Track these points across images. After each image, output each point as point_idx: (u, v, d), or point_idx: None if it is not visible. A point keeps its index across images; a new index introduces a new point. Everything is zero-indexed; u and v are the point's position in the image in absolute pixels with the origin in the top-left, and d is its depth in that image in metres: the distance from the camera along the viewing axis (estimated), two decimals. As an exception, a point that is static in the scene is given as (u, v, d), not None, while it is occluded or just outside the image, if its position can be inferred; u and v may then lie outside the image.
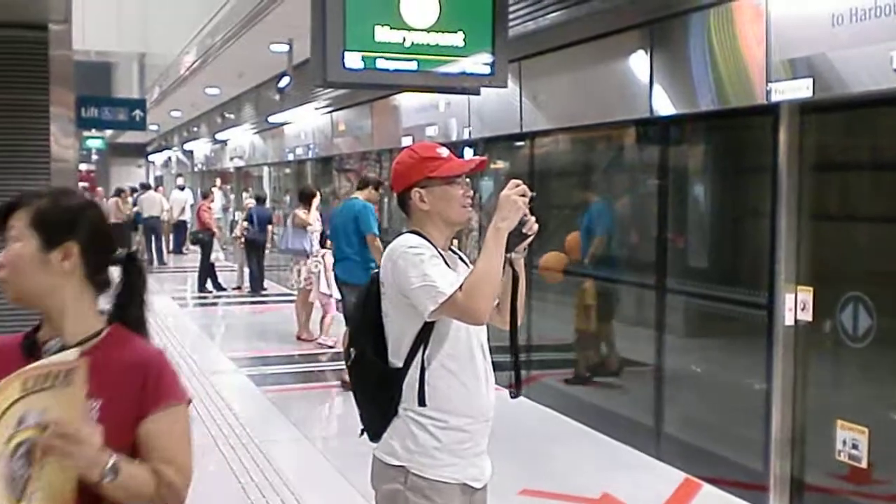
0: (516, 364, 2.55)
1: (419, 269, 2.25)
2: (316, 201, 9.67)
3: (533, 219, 2.31)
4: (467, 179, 2.48)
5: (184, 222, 19.34)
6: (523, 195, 2.27)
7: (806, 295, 4.38)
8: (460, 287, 2.20)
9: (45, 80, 7.73)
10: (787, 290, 4.43)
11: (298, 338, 9.26)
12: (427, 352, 2.31)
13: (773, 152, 4.47)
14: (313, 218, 9.37)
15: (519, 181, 2.32)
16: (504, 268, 2.28)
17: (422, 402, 2.30)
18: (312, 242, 9.33)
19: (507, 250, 2.27)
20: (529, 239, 2.34)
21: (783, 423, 4.50)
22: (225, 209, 17.66)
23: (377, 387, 2.38)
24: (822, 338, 4.38)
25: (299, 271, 9.45)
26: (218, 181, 17.24)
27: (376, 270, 2.42)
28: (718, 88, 4.70)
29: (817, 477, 4.39)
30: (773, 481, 4.49)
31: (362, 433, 2.48)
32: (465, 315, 2.23)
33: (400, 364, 2.33)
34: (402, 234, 2.42)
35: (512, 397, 2.54)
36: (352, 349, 2.45)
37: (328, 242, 7.50)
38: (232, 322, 11.53)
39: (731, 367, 5.18)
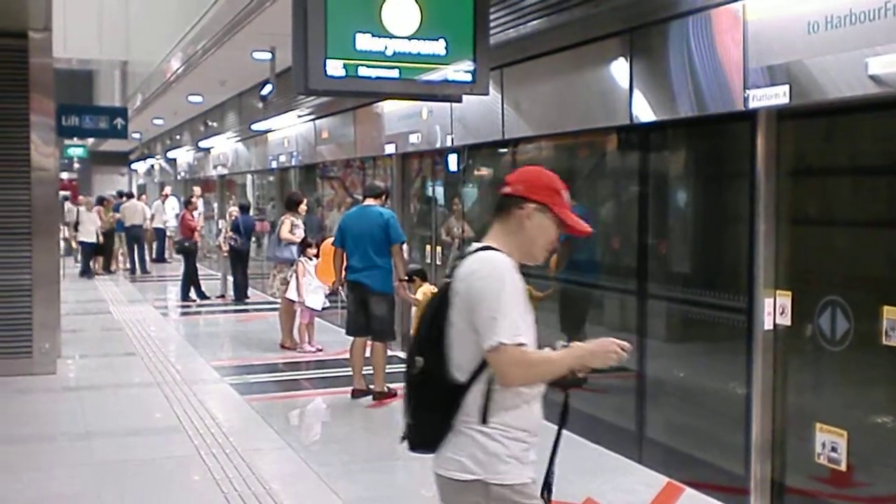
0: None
1: (499, 300, 2.24)
2: (303, 208, 9.68)
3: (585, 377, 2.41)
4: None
5: (163, 230, 19.28)
6: (618, 351, 2.35)
7: (784, 299, 4.42)
8: (522, 345, 2.23)
9: (24, 88, 7.73)
10: (766, 295, 4.47)
11: (282, 346, 9.23)
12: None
13: (751, 158, 4.51)
14: (299, 231, 9.37)
15: (628, 344, 2.38)
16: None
17: (484, 419, 2.29)
18: (293, 252, 9.34)
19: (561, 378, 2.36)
20: (575, 385, 2.45)
21: (763, 426, 4.53)
22: (207, 218, 17.58)
23: (440, 400, 2.32)
24: (801, 342, 4.42)
25: (284, 279, 9.43)
26: (197, 189, 17.17)
27: (448, 281, 2.35)
28: (697, 95, 4.75)
29: (797, 480, 4.43)
30: (754, 485, 4.52)
31: (404, 440, 2.42)
32: (503, 373, 2.25)
33: (464, 379, 2.29)
34: (483, 249, 2.37)
35: None
36: (416, 359, 2.36)
37: (335, 250, 7.16)
38: (215, 331, 11.48)
39: (711, 371, 5.22)
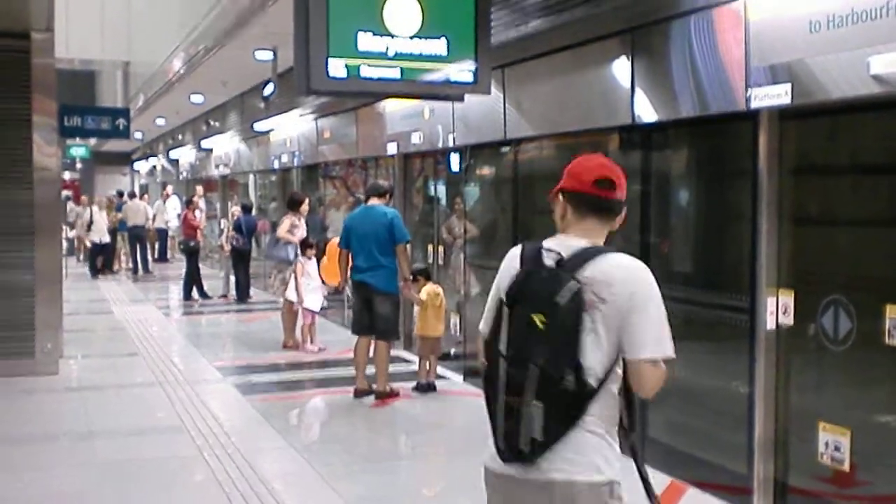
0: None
1: (661, 311, 2.29)
2: (304, 208, 9.67)
3: None
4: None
5: (165, 230, 19.28)
6: None
7: (787, 299, 4.42)
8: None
9: (27, 88, 7.74)
10: (769, 294, 4.46)
11: (285, 346, 9.24)
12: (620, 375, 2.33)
13: (753, 157, 4.50)
14: (298, 231, 9.36)
15: None
16: None
17: (621, 424, 2.36)
18: (289, 252, 9.34)
19: None
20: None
21: (766, 426, 4.53)
22: (209, 217, 17.59)
23: (574, 408, 2.25)
24: (804, 341, 4.41)
25: (283, 279, 9.43)
26: (199, 189, 17.19)
27: (579, 286, 2.25)
28: (699, 95, 4.74)
29: (800, 479, 4.42)
30: (757, 484, 4.52)
31: (511, 452, 2.29)
32: (652, 386, 2.32)
33: (595, 385, 2.25)
34: (604, 251, 2.34)
35: None
36: (567, 379, 2.23)
37: (339, 251, 7.15)
38: (218, 331, 11.49)
39: (714, 370, 5.21)
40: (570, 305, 2.23)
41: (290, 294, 8.98)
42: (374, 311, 6.85)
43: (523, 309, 2.26)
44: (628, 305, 2.25)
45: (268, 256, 10.52)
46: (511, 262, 2.40)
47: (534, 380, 2.21)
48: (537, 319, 2.23)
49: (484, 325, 2.45)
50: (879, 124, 4.14)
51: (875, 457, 4.10)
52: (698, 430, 5.17)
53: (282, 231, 9.44)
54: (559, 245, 2.36)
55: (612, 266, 2.29)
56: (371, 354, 6.98)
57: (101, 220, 16.46)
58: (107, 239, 16.63)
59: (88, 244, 16.63)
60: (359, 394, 6.96)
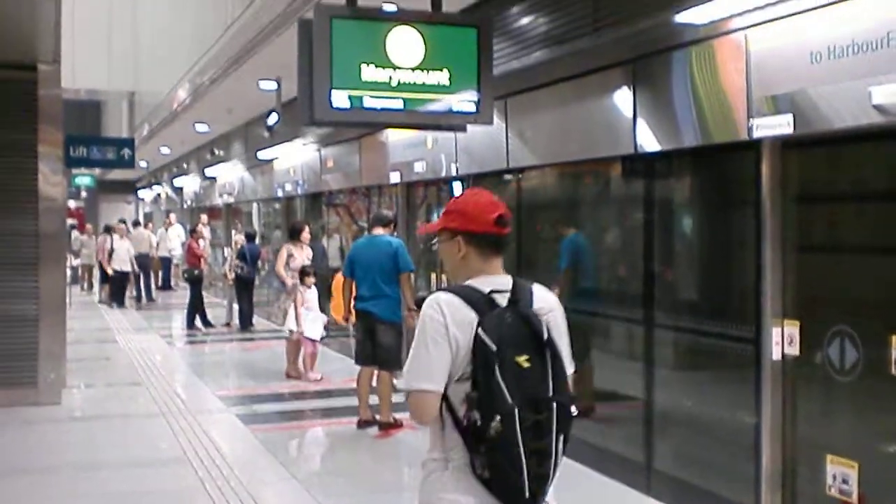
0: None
1: None
2: (305, 236, 9.67)
3: None
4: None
5: (168, 258, 19.28)
6: None
7: (792, 329, 4.39)
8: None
9: (33, 119, 7.80)
10: (774, 324, 4.44)
11: (288, 375, 9.20)
12: None
13: (756, 186, 4.51)
14: (296, 262, 9.32)
15: None
16: None
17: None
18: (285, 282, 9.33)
19: None
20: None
21: (773, 457, 4.48)
22: (214, 245, 17.61)
23: (566, 437, 2.31)
24: (810, 372, 4.38)
25: (284, 309, 9.41)
26: (204, 217, 17.24)
27: (545, 319, 2.33)
28: (701, 124, 4.76)
29: (808, 512, 4.37)
30: (765, 517, 4.47)
31: (539, 497, 2.27)
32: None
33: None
34: (536, 284, 2.46)
35: None
36: (563, 402, 2.30)
37: (344, 280, 7.10)
38: (221, 360, 11.46)
39: (720, 401, 5.17)
40: (550, 339, 2.31)
41: (290, 323, 8.96)
42: (376, 341, 6.83)
43: (511, 353, 2.24)
44: (562, 326, 2.43)
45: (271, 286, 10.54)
46: (459, 311, 2.28)
47: (553, 417, 2.24)
48: (522, 360, 2.25)
49: (434, 383, 2.26)
50: (882, 153, 4.15)
51: (884, 489, 4.05)
52: (705, 461, 5.12)
53: (278, 266, 9.44)
54: (494, 285, 2.36)
55: (543, 293, 2.43)
56: (374, 384, 6.94)
57: (122, 249, 16.34)
58: (128, 268, 16.48)
59: (110, 272, 16.37)
60: (362, 424, 6.92)
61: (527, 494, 2.22)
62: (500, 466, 2.21)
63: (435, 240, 6.07)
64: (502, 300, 2.32)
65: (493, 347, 2.23)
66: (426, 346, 2.27)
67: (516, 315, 2.30)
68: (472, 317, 2.27)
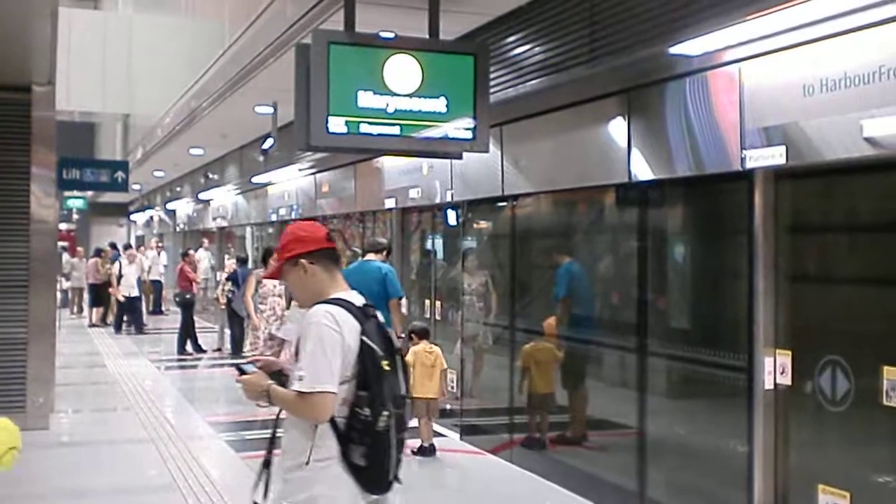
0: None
1: None
2: (273, 262, 9.44)
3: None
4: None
5: (160, 282, 19.17)
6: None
7: (784, 358, 4.41)
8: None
9: (26, 141, 7.79)
10: (766, 354, 4.45)
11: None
12: None
13: (749, 216, 4.54)
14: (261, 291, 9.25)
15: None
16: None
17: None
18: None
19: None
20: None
21: (765, 487, 4.48)
22: (212, 269, 17.52)
23: None
24: (802, 401, 4.39)
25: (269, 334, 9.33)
26: (205, 241, 17.19)
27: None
28: (695, 154, 4.80)
29: (801, 542, 4.35)
30: (758, 547, 4.45)
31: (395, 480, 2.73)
32: None
33: None
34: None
35: None
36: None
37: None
38: (211, 385, 11.38)
39: (712, 430, 5.17)
40: (398, 347, 2.78)
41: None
42: None
43: (384, 357, 2.63)
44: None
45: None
46: (347, 321, 2.62)
47: (408, 412, 2.78)
48: (385, 364, 2.63)
49: (334, 385, 2.57)
50: (873, 184, 4.19)
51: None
52: (697, 489, 5.10)
53: (245, 295, 9.42)
54: (357, 299, 2.74)
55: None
56: None
57: (131, 274, 16.07)
58: (136, 293, 16.15)
59: (121, 298, 15.86)
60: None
61: (390, 477, 2.67)
62: (377, 454, 2.60)
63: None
64: (371, 312, 2.73)
65: (380, 352, 2.61)
66: (324, 353, 2.56)
67: (379, 326, 2.73)
68: (357, 326, 2.63)
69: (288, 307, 9.13)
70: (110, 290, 16.18)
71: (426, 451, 6.89)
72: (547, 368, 6.51)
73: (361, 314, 2.66)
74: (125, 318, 16.23)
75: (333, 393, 2.55)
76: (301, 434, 2.63)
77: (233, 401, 9.71)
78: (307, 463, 2.59)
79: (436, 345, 7.12)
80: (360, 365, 2.58)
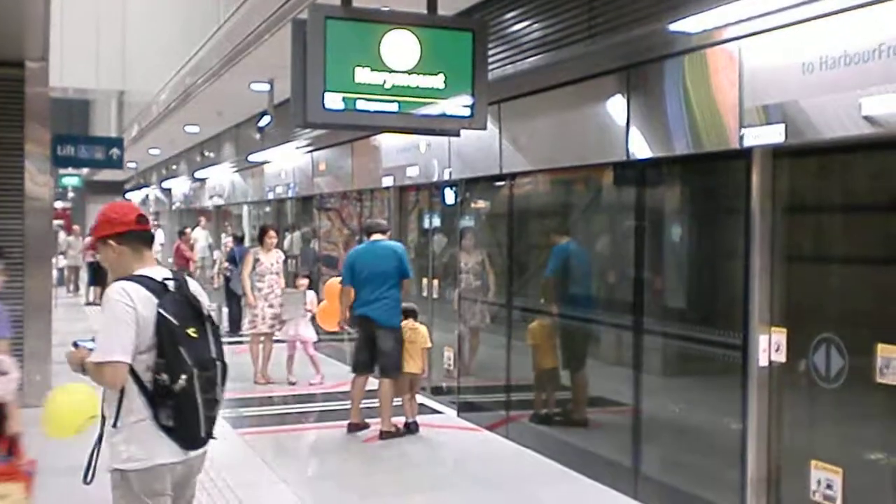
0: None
1: None
2: (269, 240, 9.22)
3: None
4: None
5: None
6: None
7: (779, 336, 4.43)
8: None
9: (20, 117, 7.74)
10: (761, 332, 4.48)
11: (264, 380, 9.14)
12: None
13: (746, 195, 4.55)
14: (258, 269, 9.17)
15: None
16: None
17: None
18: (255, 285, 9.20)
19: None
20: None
21: (758, 463, 4.52)
22: (210, 248, 17.49)
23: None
24: (796, 379, 4.42)
25: (273, 314, 9.27)
26: (202, 220, 17.13)
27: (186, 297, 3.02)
28: (693, 133, 4.79)
29: (794, 518, 4.40)
30: (750, 522, 4.49)
31: (208, 436, 3.03)
32: None
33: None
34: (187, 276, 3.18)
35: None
36: (224, 362, 3.09)
37: (342, 288, 6.98)
38: (208, 361, 11.37)
39: (706, 407, 5.21)
40: (209, 315, 3.04)
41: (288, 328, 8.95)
42: (377, 348, 6.77)
43: (184, 326, 2.88)
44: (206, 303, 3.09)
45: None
46: (142, 295, 2.87)
47: (221, 373, 3.01)
48: (191, 331, 2.90)
49: (126, 356, 2.82)
50: (871, 163, 4.19)
51: (867, 495, 4.09)
52: (691, 466, 5.14)
53: (243, 273, 9.28)
54: (161, 275, 2.98)
55: (193, 282, 3.10)
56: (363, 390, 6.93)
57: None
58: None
59: None
60: (352, 428, 6.90)
61: (203, 434, 2.94)
62: (184, 415, 2.86)
63: None
64: (171, 286, 2.95)
65: (175, 322, 2.85)
66: (116, 326, 2.83)
67: (183, 297, 2.96)
68: (154, 299, 2.87)
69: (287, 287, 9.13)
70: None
71: (410, 428, 6.93)
72: (551, 345, 6.56)
73: (160, 288, 2.92)
74: None
75: (124, 362, 2.82)
76: (110, 400, 2.93)
77: (230, 378, 9.72)
78: (115, 425, 2.89)
79: (423, 324, 7.15)
80: (158, 335, 2.84)
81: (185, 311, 2.92)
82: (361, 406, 6.96)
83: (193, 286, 3.06)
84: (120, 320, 2.83)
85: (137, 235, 3.02)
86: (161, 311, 2.84)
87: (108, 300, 2.87)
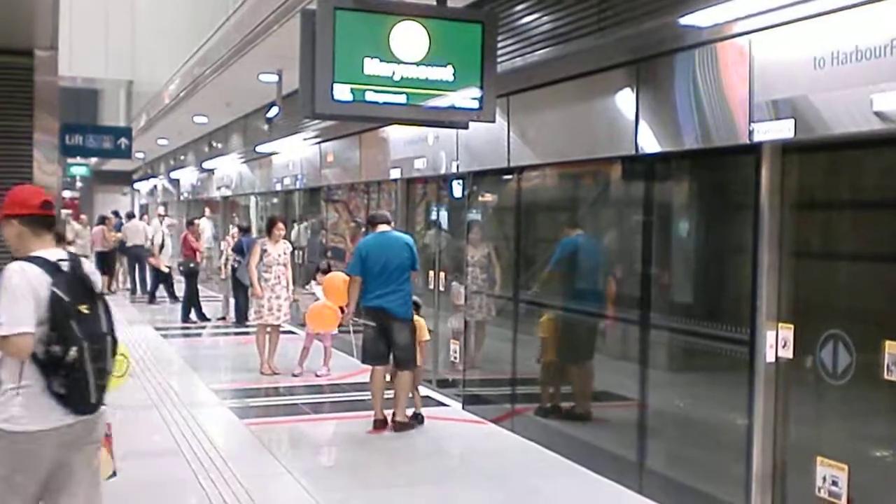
0: None
1: None
2: (277, 231, 9.21)
3: None
4: None
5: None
6: None
7: (787, 332, 4.42)
8: None
9: (29, 106, 7.73)
10: (769, 327, 4.47)
11: (270, 371, 9.15)
12: None
13: (755, 190, 4.53)
14: (266, 259, 9.16)
15: None
16: None
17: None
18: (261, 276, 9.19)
19: None
20: None
21: (764, 458, 4.51)
22: (215, 238, 17.50)
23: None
24: (803, 375, 4.41)
25: (279, 305, 9.28)
26: (207, 210, 17.12)
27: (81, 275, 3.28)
28: (702, 127, 4.77)
29: (799, 514, 4.40)
30: (755, 518, 4.49)
31: (98, 402, 3.28)
32: None
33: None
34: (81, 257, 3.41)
35: None
36: (114, 335, 3.33)
37: (352, 278, 6.86)
38: (215, 353, 11.45)
39: (712, 402, 5.20)
40: (101, 293, 3.32)
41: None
42: (392, 340, 6.71)
43: (76, 303, 3.13)
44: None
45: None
46: (36, 274, 3.10)
47: (111, 346, 3.27)
48: (83, 308, 3.17)
49: (31, 327, 3.05)
50: (881, 160, 4.17)
51: (873, 492, 4.08)
52: (696, 461, 5.14)
53: (250, 263, 9.28)
54: (56, 256, 3.22)
55: (86, 263, 3.37)
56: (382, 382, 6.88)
57: (170, 244, 15.42)
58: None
59: (164, 269, 15.17)
60: (379, 426, 6.74)
61: (93, 400, 3.18)
62: (75, 383, 3.11)
63: None
64: (65, 266, 3.20)
65: (67, 299, 3.11)
66: (17, 301, 3.05)
67: (76, 276, 3.22)
68: (47, 278, 3.11)
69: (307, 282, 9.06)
70: (151, 260, 15.80)
71: (418, 419, 6.93)
72: (562, 339, 6.56)
73: (54, 268, 3.16)
74: (161, 288, 15.94)
75: (30, 333, 3.05)
76: (9, 368, 3.13)
77: (237, 368, 9.78)
78: (9, 390, 3.12)
79: (422, 316, 7.13)
80: (51, 311, 3.08)
81: (77, 289, 3.19)
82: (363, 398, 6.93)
83: (87, 267, 3.32)
84: (20, 295, 3.06)
85: (40, 220, 3.28)
86: (54, 289, 3.10)
87: (7, 278, 3.10)
